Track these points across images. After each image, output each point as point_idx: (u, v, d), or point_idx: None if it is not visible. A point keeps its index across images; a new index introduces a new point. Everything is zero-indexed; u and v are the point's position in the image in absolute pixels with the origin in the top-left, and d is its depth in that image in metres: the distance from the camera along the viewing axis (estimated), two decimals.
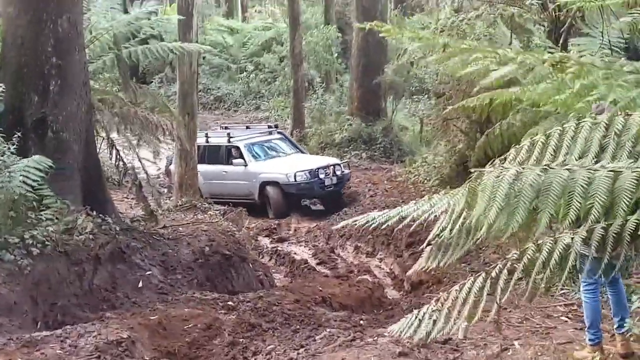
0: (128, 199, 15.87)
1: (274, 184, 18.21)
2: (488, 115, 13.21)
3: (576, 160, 3.82)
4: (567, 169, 3.82)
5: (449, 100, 14.85)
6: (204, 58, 37.21)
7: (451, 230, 4.41)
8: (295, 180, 18.08)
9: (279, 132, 20.73)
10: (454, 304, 4.43)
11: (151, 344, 7.98)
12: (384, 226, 4.90)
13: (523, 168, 3.99)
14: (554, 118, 9.06)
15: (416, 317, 4.62)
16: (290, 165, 18.53)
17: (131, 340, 7.61)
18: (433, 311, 4.58)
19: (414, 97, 22.40)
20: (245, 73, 35.29)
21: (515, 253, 3.89)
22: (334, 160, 19.71)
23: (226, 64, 37.44)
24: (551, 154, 3.88)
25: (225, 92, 35.33)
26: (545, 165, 3.93)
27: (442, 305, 4.53)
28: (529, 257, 3.72)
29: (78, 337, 7.51)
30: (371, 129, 23.62)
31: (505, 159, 4.32)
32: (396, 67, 21.31)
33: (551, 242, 3.86)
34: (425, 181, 17.97)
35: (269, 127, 21.29)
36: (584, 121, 3.99)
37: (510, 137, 11.04)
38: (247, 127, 22.15)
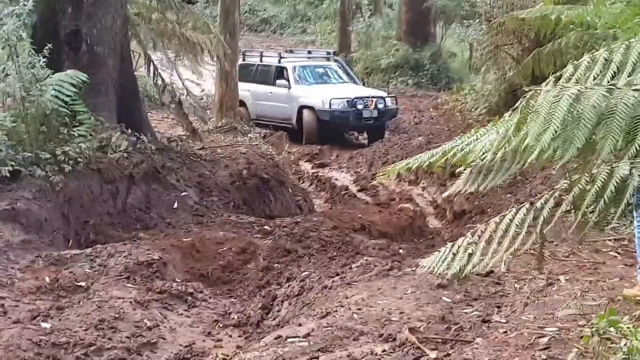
0: (168, 118, 15.61)
1: (311, 109, 17.81)
2: (543, 38, 12.63)
3: None
4: (636, 89, 3.36)
5: (501, 25, 14.20)
6: None
7: (495, 152, 3.99)
8: (330, 107, 17.55)
9: (336, 60, 20.12)
10: (492, 236, 4.07)
11: (183, 266, 7.77)
12: (426, 165, 4.48)
13: (585, 87, 3.53)
14: (611, 42, 8.52)
15: (450, 251, 4.26)
16: (331, 93, 18.02)
17: (162, 261, 7.40)
18: (469, 244, 4.21)
19: (465, 22, 21.66)
20: None
21: (565, 183, 3.47)
22: (379, 92, 18.98)
23: None
24: (613, 73, 3.43)
25: (271, 14, 34.81)
26: (611, 84, 3.47)
27: (480, 238, 4.17)
28: (580, 187, 3.30)
29: (108, 257, 7.31)
30: (419, 55, 23.10)
31: (560, 77, 3.88)
32: None
33: (607, 172, 3.41)
34: (473, 110, 17.53)
35: (327, 53, 20.77)
36: None
37: (561, 58, 10.48)
38: (309, 52, 21.73)
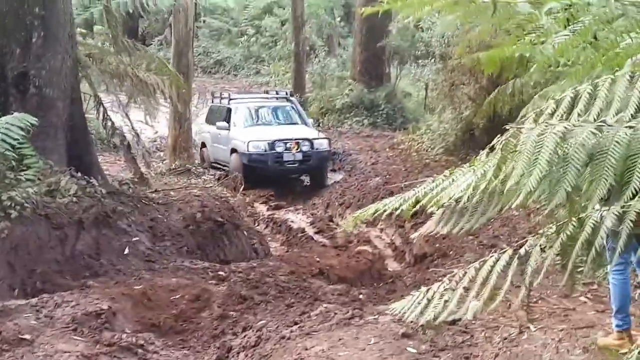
0: (121, 161, 15.27)
1: (236, 151, 17.10)
2: (499, 78, 12.61)
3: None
4: (629, 126, 3.15)
5: (457, 63, 14.18)
6: (203, 21, 36.53)
7: (473, 194, 3.78)
8: (248, 150, 16.68)
9: (289, 100, 19.35)
10: (471, 284, 3.87)
11: (134, 316, 7.44)
12: (398, 212, 4.25)
13: (572, 124, 3.32)
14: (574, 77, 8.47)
15: (424, 296, 4.04)
16: (259, 135, 17.19)
17: (112, 311, 7.07)
18: (445, 290, 4.00)
19: (419, 61, 21.74)
20: (245, 37, 34.60)
21: (550, 228, 3.26)
22: (305, 133, 17.67)
23: (226, 27, 36.77)
24: (600, 110, 3.25)
25: (225, 56, 34.69)
26: (600, 121, 3.26)
27: (457, 284, 3.96)
28: (569, 233, 3.10)
29: (55, 307, 6.97)
30: (374, 95, 23.05)
31: (540, 113, 3.69)
32: (401, 31, 20.62)
33: (595, 218, 3.17)
34: (430, 149, 17.43)
35: (285, 93, 20.04)
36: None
37: (520, 97, 10.41)
38: (266, 92, 21.46)
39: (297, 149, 16.92)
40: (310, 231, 13.79)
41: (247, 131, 17.56)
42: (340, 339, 6.08)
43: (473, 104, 15.83)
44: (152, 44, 33.05)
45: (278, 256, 11.29)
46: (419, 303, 4.05)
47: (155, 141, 20.53)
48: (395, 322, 6.44)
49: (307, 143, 17.08)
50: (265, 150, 16.70)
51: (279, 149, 16.80)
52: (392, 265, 11.84)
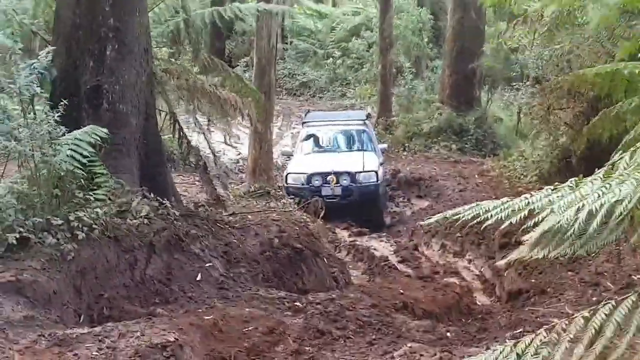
0: (199, 182, 14.89)
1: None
2: (600, 102, 11.75)
3: None
4: None
5: (556, 86, 13.35)
6: (290, 42, 36.40)
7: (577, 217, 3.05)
8: (287, 183, 15.66)
9: (364, 123, 17.77)
10: (579, 337, 3.15)
11: (203, 349, 6.87)
12: (473, 222, 3.52)
13: None
14: None
15: (512, 351, 3.34)
16: (305, 165, 16.06)
17: (178, 343, 6.50)
18: (543, 344, 3.28)
19: (513, 84, 20.88)
20: (331, 59, 34.24)
21: None
22: (350, 164, 15.99)
23: (313, 49, 36.55)
24: None
25: (310, 78, 34.44)
26: None
27: (560, 338, 3.23)
28: None
29: (119, 338, 6.44)
30: (463, 119, 22.30)
31: None
32: (493, 52, 19.85)
33: None
34: (522, 177, 16.61)
35: (348, 115, 18.88)
36: None
37: (622, 124, 9.55)
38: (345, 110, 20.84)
39: (336, 183, 15.61)
40: (393, 260, 13.14)
41: (302, 160, 16.59)
42: None
43: (570, 129, 14.97)
44: (238, 65, 33.01)
45: (359, 286, 10.62)
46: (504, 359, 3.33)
47: (237, 162, 20.24)
48: None
49: (346, 177, 15.68)
50: (302, 184, 15.55)
51: (317, 182, 15.58)
52: (481, 299, 11.07)
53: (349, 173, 15.65)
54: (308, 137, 16.88)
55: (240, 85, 11.18)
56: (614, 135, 10.62)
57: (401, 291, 9.75)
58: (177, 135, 9.91)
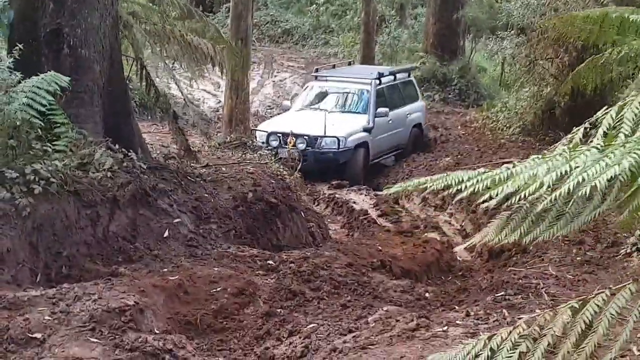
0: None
1: None
2: (586, 52, 11.34)
3: None
4: None
5: (544, 33, 12.86)
6: None
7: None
8: (256, 140, 14.90)
9: (370, 82, 16.27)
10: (566, 331, 2.75)
11: (166, 312, 6.51)
12: (464, 193, 3.08)
13: None
14: None
15: (485, 346, 2.95)
16: (273, 123, 15.60)
17: (139, 307, 6.13)
18: (521, 338, 2.88)
19: (497, 33, 20.38)
20: (315, 5, 33.37)
21: None
22: (308, 129, 14.97)
23: None
24: None
25: (293, 25, 33.60)
26: None
27: (542, 331, 2.82)
28: None
29: (74, 300, 6.06)
30: (446, 69, 21.83)
31: None
32: (478, 1, 19.33)
33: None
34: (505, 128, 16.26)
35: (370, 73, 17.04)
36: None
37: (608, 75, 9.15)
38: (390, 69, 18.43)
39: (292, 145, 14.71)
40: (373, 214, 12.75)
41: (282, 117, 16.15)
42: (401, 357, 5.03)
43: (555, 81, 14.56)
44: (219, 10, 32.22)
45: (336, 242, 10.25)
46: (476, 356, 2.96)
47: (217, 111, 19.66)
48: (468, 337, 5.36)
49: (302, 140, 14.79)
50: (263, 143, 14.78)
51: (274, 143, 14.82)
52: (462, 254, 10.72)
53: (307, 136, 14.85)
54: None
55: (214, 33, 10.60)
56: (598, 87, 10.22)
57: (379, 248, 9.42)
58: (144, 83, 9.36)
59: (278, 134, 14.86)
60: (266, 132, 14.98)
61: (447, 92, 21.80)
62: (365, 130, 15.52)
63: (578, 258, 7.73)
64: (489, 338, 2.70)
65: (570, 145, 2.90)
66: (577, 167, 2.46)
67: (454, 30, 22.19)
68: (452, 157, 15.08)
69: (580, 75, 9.75)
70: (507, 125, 16.28)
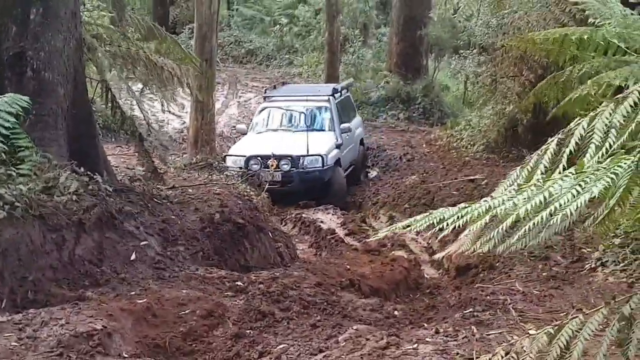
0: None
1: None
2: (548, 71, 11.48)
3: None
4: None
5: (507, 52, 13.03)
6: (236, 9, 35.65)
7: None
8: (225, 164, 14.42)
9: (327, 99, 16.21)
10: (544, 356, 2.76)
11: (135, 335, 6.43)
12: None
13: None
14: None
15: None
16: (248, 147, 14.95)
17: (107, 332, 6.06)
18: None
19: (460, 52, 20.60)
20: (278, 26, 33.51)
21: None
22: (290, 150, 14.74)
23: (259, 16, 35.82)
24: None
25: (257, 46, 33.73)
26: None
27: (518, 357, 2.84)
28: None
29: (41, 326, 5.98)
30: (410, 88, 22.04)
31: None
32: (440, 20, 19.51)
33: None
34: (469, 146, 16.41)
35: (318, 90, 17.10)
36: None
37: (568, 91, 9.24)
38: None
39: (275, 168, 14.41)
40: (340, 233, 12.79)
41: (249, 139, 15.56)
42: None
43: (518, 99, 14.73)
44: (182, 31, 32.22)
45: (305, 262, 10.25)
46: None
47: (182, 132, 19.61)
48: (438, 354, 5.39)
49: (287, 162, 14.46)
50: (240, 168, 14.26)
51: (255, 166, 14.36)
52: (429, 272, 10.80)
53: (290, 157, 14.51)
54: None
55: (179, 53, 10.58)
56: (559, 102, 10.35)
57: (347, 267, 9.42)
58: (109, 105, 9.32)
59: (258, 157, 14.42)
60: (244, 156, 14.48)
61: (411, 111, 21.96)
62: (337, 147, 15.37)
63: (544, 273, 7.79)
64: None
65: (545, 163, 2.96)
66: (552, 196, 2.51)
67: (417, 49, 22.40)
68: (418, 175, 15.18)
69: (542, 92, 9.86)
70: (471, 142, 16.43)
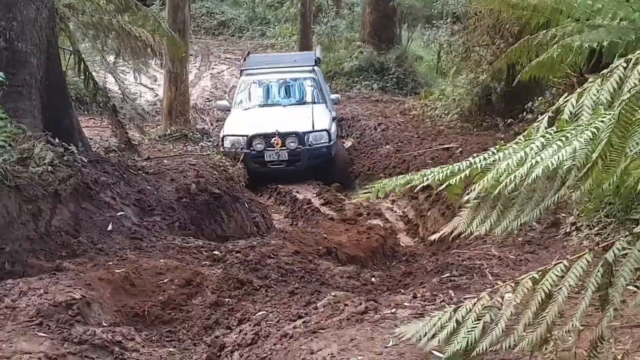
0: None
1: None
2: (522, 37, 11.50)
3: None
4: None
5: (479, 23, 13.05)
6: None
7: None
8: (224, 147, 13.64)
9: (312, 69, 15.58)
10: (527, 301, 2.81)
11: (113, 305, 6.45)
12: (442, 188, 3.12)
13: None
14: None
15: (450, 317, 3.00)
16: (246, 125, 13.96)
17: (85, 301, 6.07)
18: (485, 309, 2.95)
19: (433, 22, 20.62)
20: None
21: None
22: (295, 126, 13.93)
23: None
24: None
25: (229, 17, 33.51)
26: None
27: (504, 301, 2.90)
28: None
29: (19, 296, 5.98)
30: (384, 58, 22.00)
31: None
32: None
33: None
34: (443, 115, 16.45)
35: (295, 60, 16.07)
36: None
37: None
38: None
39: (281, 146, 13.60)
40: (316, 203, 12.80)
41: (241, 117, 14.55)
42: (352, 339, 5.07)
43: (490, 67, 14.78)
44: (153, 3, 31.87)
45: (281, 232, 10.27)
46: (443, 326, 3.02)
47: (155, 104, 19.51)
48: (416, 318, 5.45)
49: (293, 139, 13.71)
50: (243, 148, 13.51)
51: (259, 146, 13.61)
52: (405, 240, 10.90)
53: (296, 134, 13.75)
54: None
55: (153, 23, 10.49)
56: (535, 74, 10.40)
57: (324, 236, 9.46)
58: (82, 76, 9.25)
59: (261, 136, 13.65)
60: (245, 135, 13.66)
61: (385, 81, 21.95)
62: (333, 119, 14.82)
63: (519, 239, 7.87)
64: (455, 310, 2.77)
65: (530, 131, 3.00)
66: (533, 150, 2.55)
67: (391, 19, 22.35)
68: (393, 144, 15.19)
69: (514, 54, 9.88)
70: (445, 112, 16.48)
